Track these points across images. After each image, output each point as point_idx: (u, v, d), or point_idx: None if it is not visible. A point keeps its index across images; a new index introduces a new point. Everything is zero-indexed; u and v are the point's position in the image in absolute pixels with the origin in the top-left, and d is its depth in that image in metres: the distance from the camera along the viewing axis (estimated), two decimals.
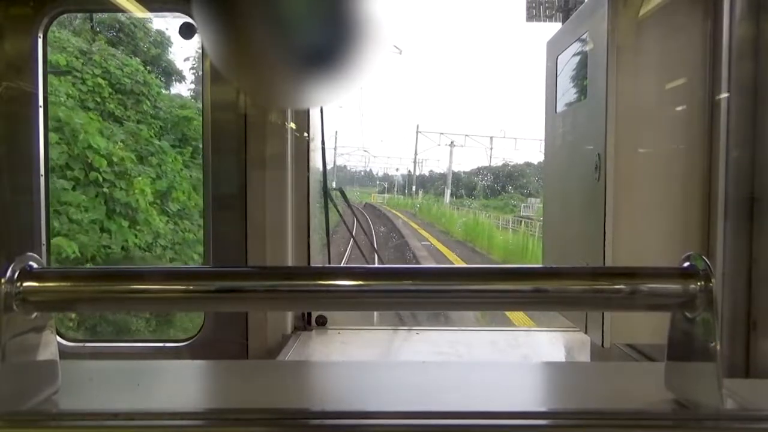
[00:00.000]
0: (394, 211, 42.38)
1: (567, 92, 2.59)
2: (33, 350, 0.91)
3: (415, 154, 62.29)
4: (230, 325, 2.98)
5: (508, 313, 7.36)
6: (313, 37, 0.72)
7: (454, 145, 53.93)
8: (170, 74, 12.54)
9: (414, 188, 65.60)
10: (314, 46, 0.73)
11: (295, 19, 0.71)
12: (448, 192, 54.36)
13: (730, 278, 1.86)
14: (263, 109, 2.92)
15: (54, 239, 6.80)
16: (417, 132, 59.97)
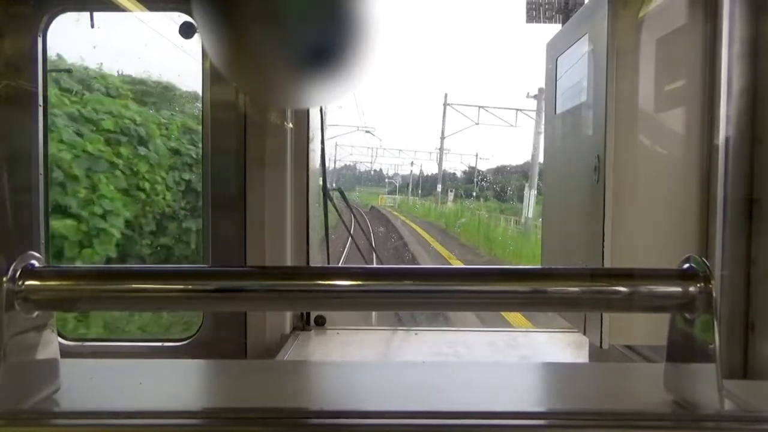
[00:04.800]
0: (412, 225, 27.83)
1: (567, 94, 2.59)
2: (34, 349, 0.91)
3: (442, 137, 41.01)
4: (229, 324, 2.98)
5: (505, 316, 7.35)
6: (313, 36, 0.72)
7: (530, 100, 30.32)
8: None
9: (439, 187, 45.58)
10: (314, 46, 0.73)
11: (295, 18, 0.71)
12: (532, 193, 25.12)
13: (729, 280, 1.86)
14: (263, 109, 2.93)
15: None
16: (445, 105, 37.53)
